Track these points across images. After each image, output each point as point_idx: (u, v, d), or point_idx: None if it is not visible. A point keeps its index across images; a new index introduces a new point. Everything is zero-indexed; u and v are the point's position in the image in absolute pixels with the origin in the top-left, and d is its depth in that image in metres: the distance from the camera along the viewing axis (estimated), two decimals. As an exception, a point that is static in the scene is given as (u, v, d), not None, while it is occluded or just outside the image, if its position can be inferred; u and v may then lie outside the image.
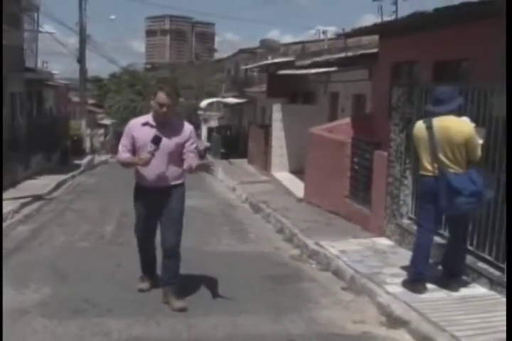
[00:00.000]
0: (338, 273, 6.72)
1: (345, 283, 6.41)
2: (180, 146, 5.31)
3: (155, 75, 54.13)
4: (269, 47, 23.40)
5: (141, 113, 45.57)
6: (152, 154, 5.10)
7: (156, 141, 5.11)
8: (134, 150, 5.35)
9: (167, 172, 5.32)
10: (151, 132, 5.22)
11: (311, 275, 6.86)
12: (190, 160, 5.29)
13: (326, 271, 6.96)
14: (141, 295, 5.62)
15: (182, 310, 5.27)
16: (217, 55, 79.11)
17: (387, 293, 5.69)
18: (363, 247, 7.61)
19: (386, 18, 13.14)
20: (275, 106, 16.77)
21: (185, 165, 5.31)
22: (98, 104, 46.28)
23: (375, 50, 12.45)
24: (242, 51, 34.34)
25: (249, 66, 25.92)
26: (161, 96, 5.16)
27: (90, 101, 40.03)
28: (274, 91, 20.13)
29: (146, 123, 5.32)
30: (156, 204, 5.40)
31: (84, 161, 23.90)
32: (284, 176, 15.61)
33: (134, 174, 5.49)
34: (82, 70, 30.13)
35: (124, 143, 5.39)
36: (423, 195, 5.70)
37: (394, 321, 5.13)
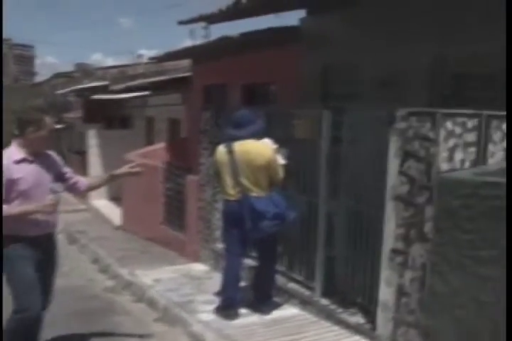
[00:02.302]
0: (151, 303, 6.45)
1: (158, 313, 6.16)
2: (61, 176, 4.60)
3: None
4: (84, 71, 22.87)
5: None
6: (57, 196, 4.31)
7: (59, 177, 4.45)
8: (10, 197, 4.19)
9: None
10: (32, 169, 4.26)
11: (125, 307, 6.56)
12: (85, 180, 4.92)
13: (140, 302, 6.66)
14: None
15: None
16: (38, 79, 75.98)
17: (200, 321, 5.54)
18: (178, 274, 7.42)
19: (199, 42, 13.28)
20: (91, 131, 16.55)
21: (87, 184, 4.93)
22: None
23: (188, 74, 12.54)
24: (57, 75, 33.25)
25: (62, 91, 25.02)
26: (51, 121, 4.31)
27: None
28: (90, 117, 19.66)
29: (22, 160, 4.24)
30: (43, 257, 4.42)
31: None
32: (102, 204, 15.32)
33: (5, 226, 4.17)
34: None
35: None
36: (228, 220, 5.62)
37: (206, 351, 4.99)
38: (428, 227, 4.03)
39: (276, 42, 8.47)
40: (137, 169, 4.77)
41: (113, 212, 13.61)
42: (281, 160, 5.49)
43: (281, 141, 5.82)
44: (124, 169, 4.79)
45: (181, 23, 8.12)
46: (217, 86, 10.77)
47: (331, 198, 5.51)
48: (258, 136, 5.50)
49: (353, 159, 5.20)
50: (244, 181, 5.28)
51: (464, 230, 3.77)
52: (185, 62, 14.61)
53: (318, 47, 7.89)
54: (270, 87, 9.47)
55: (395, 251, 4.32)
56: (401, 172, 4.21)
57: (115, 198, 14.73)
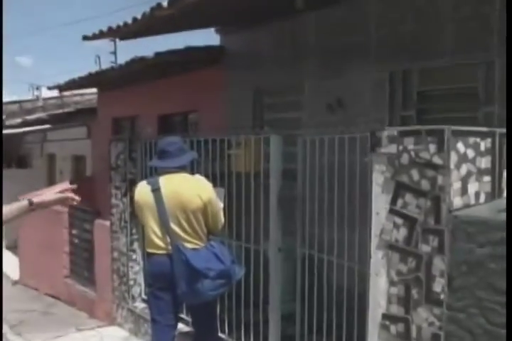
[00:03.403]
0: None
1: None
2: None
3: None
4: (-23, 106, 20.99)
5: None
6: None
7: None
8: None
9: None
10: None
11: None
12: None
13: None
14: None
15: None
16: None
17: None
18: (89, 343, 6.06)
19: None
20: (-17, 172, 14.75)
21: None
22: None
23: (94, 106, 11.31)
24: None
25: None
26: None
27: None
28: (-17, 156, 17.91)
29: None
30: None
31: None
32: (-4, 253, 13.44)
33: None
34: None
35: None
36: (154, 281, 4.23)
37: None
38: (439, 285, 2.95)
39: (198, 64, 7.42)
40: (71, 195, 3.03)
41: (10, 264, 11.85)
42: (220, 203, 4.33)
43: (214, 177, 4.70)
44: (52, 195, 2.99)
45: (86, 38, 6.85)
46: (130, 116, 9.54)
47: (284, 245, 4.42)
48: (190, 169, 4.33)
49: (315, 196, 4.13)
50: (176, 228, 4.00)
51: (496, 289, 2.72)
52: (90, 96, 13.41)
53: (247, 68, 6.88)
54: (189, 116, 8.36)
55: (389, 317, 3.20)
56: (393, 212, 3.12)
57: (13, 247, 12.99)
